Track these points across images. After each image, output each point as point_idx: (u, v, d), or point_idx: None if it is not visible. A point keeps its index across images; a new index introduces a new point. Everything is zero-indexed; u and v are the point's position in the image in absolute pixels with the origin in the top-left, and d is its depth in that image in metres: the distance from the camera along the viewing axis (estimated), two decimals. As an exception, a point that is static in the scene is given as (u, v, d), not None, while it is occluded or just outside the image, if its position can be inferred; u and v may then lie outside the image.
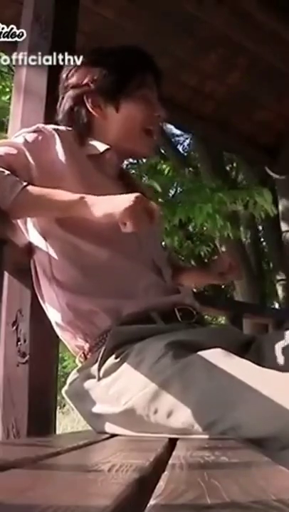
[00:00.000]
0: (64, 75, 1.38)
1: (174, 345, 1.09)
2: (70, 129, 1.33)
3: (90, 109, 1.33)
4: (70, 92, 1.35)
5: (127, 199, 1.11)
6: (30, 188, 1.16)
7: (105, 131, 1.34)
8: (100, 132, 1.34)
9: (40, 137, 1.26)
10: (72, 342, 1.26)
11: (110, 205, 1.12)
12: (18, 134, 1.29)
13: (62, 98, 1.37)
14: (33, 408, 1.39)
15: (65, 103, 1.35)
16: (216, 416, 0.99)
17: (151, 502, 0.38)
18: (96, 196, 1.15)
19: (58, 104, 1.38)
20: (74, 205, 1.15)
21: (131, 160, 5.59)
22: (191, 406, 1.02)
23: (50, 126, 1.30)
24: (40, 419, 1.43)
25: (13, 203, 1.14)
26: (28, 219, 1.30)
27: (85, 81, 1.34)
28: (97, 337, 1.21)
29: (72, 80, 1.35)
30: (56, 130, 1.28)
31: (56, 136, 1.27)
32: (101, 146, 1.33)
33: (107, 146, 1.32)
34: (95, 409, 1.17)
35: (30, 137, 1.26)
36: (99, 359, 1.16)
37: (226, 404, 0.98)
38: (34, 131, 1.28)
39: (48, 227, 1.26)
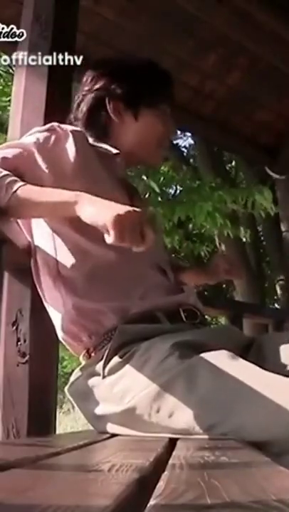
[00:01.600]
0: (87, 79, 1.39)
1: (179, 346, 1.09)
2: (81, 129, 1.34)
3: (110, 113, 1.35)
4: (93, 94, 1.36)
5: (119, 208, 1.04)
6: (27, 187, 1.14)
7: (120, 137, 1.36)
8: (115, 137, 1.36)
9: (53, 136, 1.25)
10: (75, 343, 1.26)
11: (100, 209, 1.06)
12: (31, 133, 1.28)
13: (82, 99, 1.38)
14: (33, 408, 1.39)
15: (85, 103, 1.37)
16: (218, 418, 0.98)
17: (151, 502, 0.38)
18: (92, 196, 1.10)
19: (76, 104, 1.39)
20: (69, 203, 1.11)
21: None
22: (193, 407, 1.02)
23: (65, 126, 1.29)
24: (40, 419, 1.43)
25: (9, 203, 1.13)
26: (35, 224, 1.30)
27: (109, 86, 1.35)
28: (102, 335, 1.20)
29: (97, 85, 1.36)
30: (71, 130, 1.28)
31: (70, 135, 1.26)
32: (113, 149, 1.34)
33: (118, 151, 1.33)
34: (98, 409, 1.17)
35: (43, 137, 1.25)
36: (104, 357, 1.15)
37: (228, 406, 0.98)
38: (47, 130, 1.27)
39: (56, 228, 1.25)
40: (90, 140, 1.34)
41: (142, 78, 1.37)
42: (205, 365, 1.04)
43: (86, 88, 1.38)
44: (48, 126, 1.29)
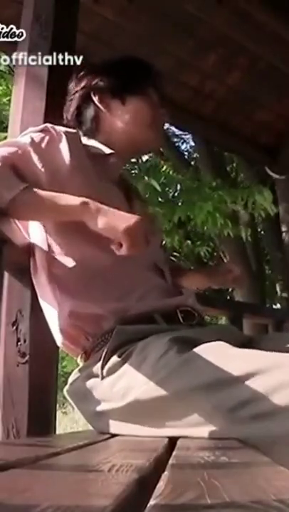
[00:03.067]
0: (72, 84, 1.42)
1: (176, 341, 1.09)
2: (75, 131, 1.34)
3: (97, 104, 1.36)
4: (78, 93, 1.39)
5: (129, 219, 1.11)
6: (31, 189, 1.15)
7: (112, 126, 1.37)
8: (106, 128, 1.37)
9: (47, 137, 1.26)
10: (73, 345, 1.26)
11: (112, 221, 1.12)
12: (25, 133, 1.29)
13: (70, 102, 1.41)
14: (33, 408, 1.39)
15: (72, 102, 1.39)
16: (222, 395, 0.98)
17: (151, 502, 0.38)
18: (99, 204, 1.14)
19: (66, 108, 1.42)
20: (76, 211, 1.14)
21: (133, 160, 5.60)
22: (196, 392, 1.01)
23: (59, 127, 1.30)
24: (40, 419, 1.43)
25: (10, 203, 1.13)
26: (31, 223, 1.30)
27: (93, 82, 1.38)
28: (99, 336, 1.20)
29: (81, 84, 1.39)
30: (65, 131, 1.29)
31: (64, 136, 1.27)
32: (106, 150, 1.34)
33: (112, 151, 1.33)
34: (98, 408, 1.16)
35: (37, 137, 1.26)
36: (102, 358, 1.15)
37: (231, 382, 0.97)
38: (41, 131, 1.28)
39: (50, 230, 1.25)
40: (84, 140, 1.34)
41: (124, 70, 1.39)
42: (204, 356, 1.04)
43: (72, 92, 1.40)
44: (41, 126, 1.29)
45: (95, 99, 1.36)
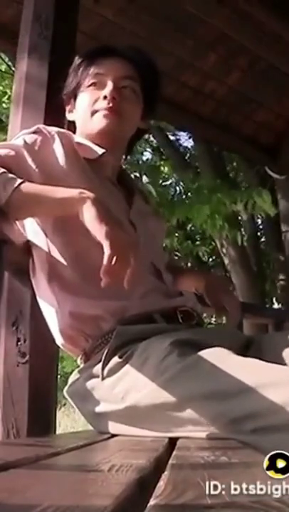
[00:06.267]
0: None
1: (178, 344, 1.09)
2: (68, 131, 1.34)
3: (67, 114, 1.40)
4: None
5: (120, 239, 1.06)
6: (26, 184, 1.14)
7: (78, 128, 1.38)
8: (78, 131, 1.37)
9: (39, 138, 1.26)
10: (72, 346, 1.26)
11: (102, 226, 1.06)
12: (18, 136, 1.29)
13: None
14: (33, 408, 1.39)
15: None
16: (226, 406, 0.96)
17: (151, 502, 0.38)
18: (96, 199, 1.10)
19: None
20: (74, 202, 1.11)
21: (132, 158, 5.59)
22: (198, 398, 1.00)
23: (51, 128, 1.30)
24: (40, 419, 1.43)
25: (8, 201, 1.12)
26: (28, 224, 1.29)
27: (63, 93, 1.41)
28: (99, 338, 1.20)
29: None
30: (57, 132, 1.29)
31: (56, 137, 1.27)
32: (99, 150, 1.33)
33: (104, 150, 1.32)
34: (98, 409, 1.16)
35: (30, 138, 1.26)
36: (103, 358, 1.15)
37: (235, 394, 0.95)
38: (34, 132, 1.28)
39: (50, 231, 1.25)
40: (77, 139, 1.33)
41: (74, 69, 1.38)
42: (206, 360, 1.03)
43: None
44: (34, 128, 1.29)
45: (67, 109, 1.40)
